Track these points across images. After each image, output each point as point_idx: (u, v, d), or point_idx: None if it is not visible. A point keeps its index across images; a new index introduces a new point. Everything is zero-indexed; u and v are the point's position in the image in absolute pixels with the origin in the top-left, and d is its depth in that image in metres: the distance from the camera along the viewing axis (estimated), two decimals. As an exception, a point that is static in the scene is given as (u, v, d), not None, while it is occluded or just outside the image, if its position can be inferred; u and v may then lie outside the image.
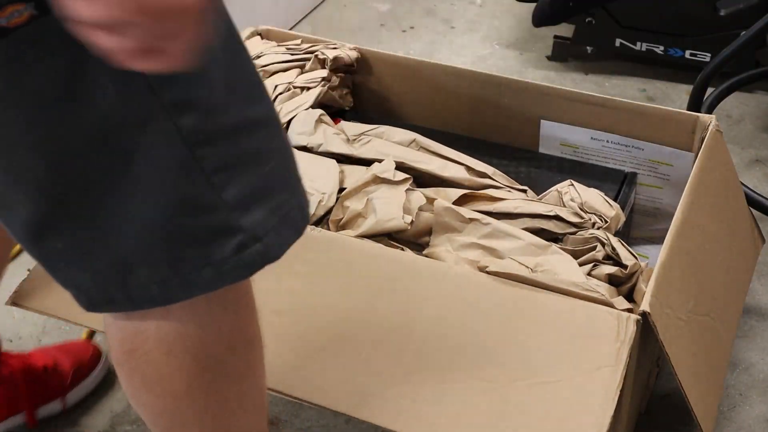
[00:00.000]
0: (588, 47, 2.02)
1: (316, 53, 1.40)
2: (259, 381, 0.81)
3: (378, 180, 1.17)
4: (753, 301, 1.48)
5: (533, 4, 1.97)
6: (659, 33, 1.94)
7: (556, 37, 2.06)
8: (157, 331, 0.71)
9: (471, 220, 1.11)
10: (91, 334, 1.45)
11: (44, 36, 0.55)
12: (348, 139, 1.26)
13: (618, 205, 1.16)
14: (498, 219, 1.12)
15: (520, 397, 0.95)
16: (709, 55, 1.91)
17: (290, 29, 2.09)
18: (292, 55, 1.40)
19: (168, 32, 0.47)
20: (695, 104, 1.59)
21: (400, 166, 1.20)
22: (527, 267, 1.05)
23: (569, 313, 0.99)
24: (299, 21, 2.29)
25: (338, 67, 1.41)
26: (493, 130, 1.39)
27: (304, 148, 1.25)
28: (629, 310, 1.00)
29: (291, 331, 1.03)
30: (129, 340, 0.73)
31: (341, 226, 1.15)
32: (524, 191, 1.21)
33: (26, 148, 0.61)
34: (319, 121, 1.29)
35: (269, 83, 1.36)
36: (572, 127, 1.34)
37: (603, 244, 1.08)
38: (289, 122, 1.30)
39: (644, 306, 0.98)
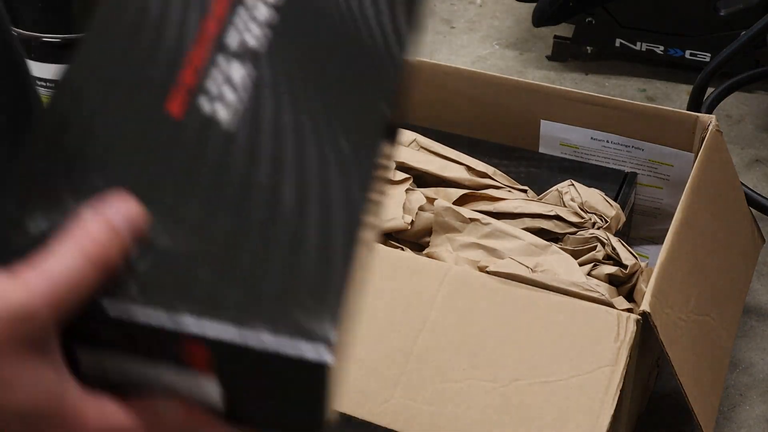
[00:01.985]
0: (588, 47, 2.03)
1: (316, 53, 1.40)
2: None
3: (378, 180, 1.17)
4: (753, 301, 1.48)
5: (533, 4, 1.97)
6: (659, 33, 1.94)
7: (556, 37, 2.06)
8: None
9: (471, 220, 1.11)
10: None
11: None
12: (348, 139, 1.26)
13: (618, 205, 1.16)
14: (498, 219, 1.12)
15: (520, 397, 0.95)
16: (709, 55, 1.91)
17: (290, 29, 2.09)
18: (292, 55, 1.40)
19: None
20: (695, 104, 1.59)
21: (400, 166, 1.20)
22: (527, 267, 1.05)
23: (569, 313, 0.99)
24: (299, 21, 2.29)
25: (338, 67, 1.41)
26: (493, 130, 1.39)
27: (304, 148, 1.25)
28: (629, 310, 1.00)
29: (291, 331, 1.03)
30: None
31: (341, 226, 1.15)
32: (524, 191, 1.21)
33: None
34: (319, 121, 1.29)
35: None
36: (572, 127, 1.34)
37: (603, 244, 1.08)
38: (289, 122, 1.30)
39: (644, 306, 0.98)
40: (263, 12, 0.48)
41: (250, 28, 0.47)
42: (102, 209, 0.42)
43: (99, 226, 0.42)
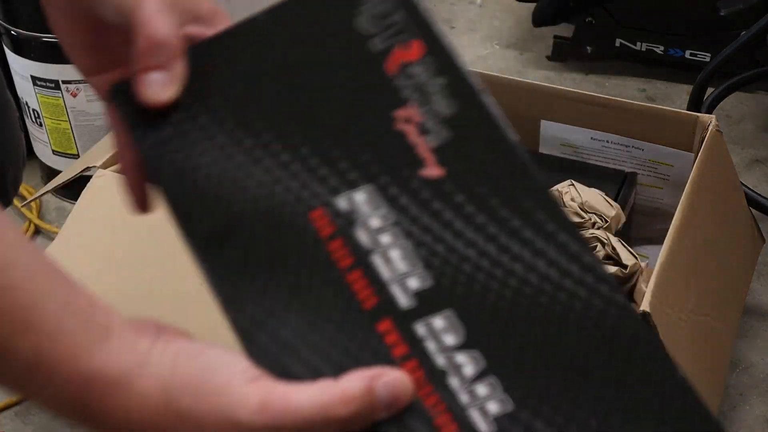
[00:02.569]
0: (588, 47, 2.02)
1: (316, 53, 1.40)
2: None
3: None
4: (753, 301, 1.48)
5: (533, 4, 1.97)
6: (659, 33, 1.94)
7: (556, 37, 2.06)
8: None
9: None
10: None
11: None
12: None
13: (618, 205, 1.16)
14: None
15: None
16: (709, 55, 1.91)
17: (290, 29, 2.09)
18: (292, 55, 1.40)
19: None
20: (695, 104, 1.59)
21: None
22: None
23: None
24: (299, 21, 2.29)
25: (338, 67, 1.40)
26: (493, 130, 1.39)
27: (304, 148, 1.25)
28: (629, 310, 1.00)
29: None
30: None
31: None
32: (524, 191, 1.21)
33: None
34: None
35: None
36: (572, 127, 1.34)
37: (603, 244, 1.08)
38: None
39: (644, 306, 0.97)
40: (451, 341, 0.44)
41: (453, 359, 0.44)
42: (373, 376, 0.42)
43: (358, 393, 0.41)
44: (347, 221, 0.45)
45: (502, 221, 0.45)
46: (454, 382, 0.43)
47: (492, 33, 2.21)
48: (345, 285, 0.44)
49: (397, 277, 0.44)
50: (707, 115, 1.26)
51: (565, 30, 2.06)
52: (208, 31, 0.51)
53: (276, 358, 0.43)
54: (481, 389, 0.43)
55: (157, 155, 0.48)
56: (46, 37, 1.50)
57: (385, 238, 0.45)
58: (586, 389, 0.42)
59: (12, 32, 1.52)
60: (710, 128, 1.23)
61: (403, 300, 0.44)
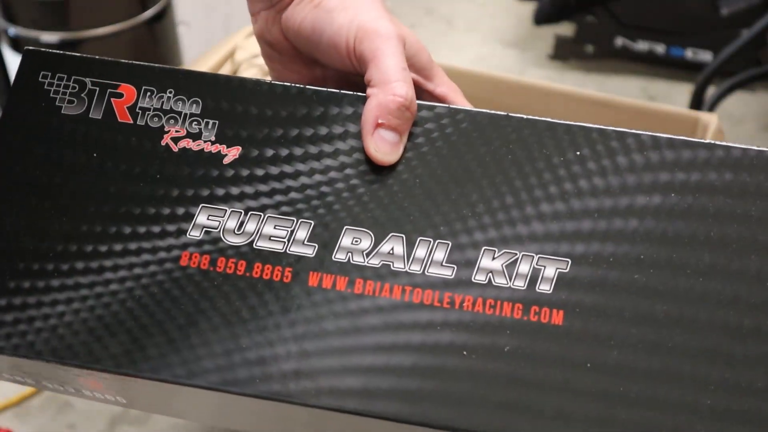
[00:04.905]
0: (589, 46, 2.02)
1: (315, 52, 1.40)
2: None
3: (378, 180, 1.17)
4: (754, 301, 1.47)
5: (534, 3, 1.97)
6: (661, 32, 1.94)
7: (557, 36, 2.06)
8: None
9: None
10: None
11: None
12: (348, 139, 1.26)
13: (619, 205, 1.16)
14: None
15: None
16: (710, 54, 1.91)
17: (290, 28, 2.08)
18: (292, 54, 1.40)
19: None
20: (696, 103, 1.59)
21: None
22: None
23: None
24: (299, 20, 2.29)
25: (338, 66, 1.40)
26: (493, 129, 1.38)
27: (303, 148, 1.25)
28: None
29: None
30: None
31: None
32: (525, 191, 1.21)
33: None
34: (319, 120, 1.29)
35: (269, 83, 1.35)
36: (573, 126, 1.34)
37: (604, 244, 1.08)
38: (288, 122, 1.30)
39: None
40: None
41: None
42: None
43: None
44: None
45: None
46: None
47: (492, 32, 2.21)
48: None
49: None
50: (709, 114, 1.26)
51: (566, 29, 2.06)
52: (425, 83, 0.53)
53: None
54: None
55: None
56: (46, 37, 1.50)
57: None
58: None
59: (11, 32, 1.52)
60: (712, 128, 1.23)
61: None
